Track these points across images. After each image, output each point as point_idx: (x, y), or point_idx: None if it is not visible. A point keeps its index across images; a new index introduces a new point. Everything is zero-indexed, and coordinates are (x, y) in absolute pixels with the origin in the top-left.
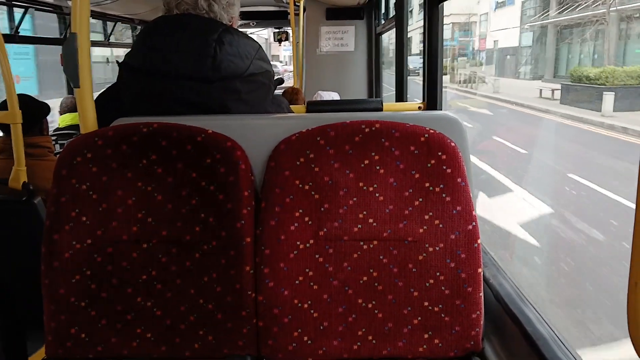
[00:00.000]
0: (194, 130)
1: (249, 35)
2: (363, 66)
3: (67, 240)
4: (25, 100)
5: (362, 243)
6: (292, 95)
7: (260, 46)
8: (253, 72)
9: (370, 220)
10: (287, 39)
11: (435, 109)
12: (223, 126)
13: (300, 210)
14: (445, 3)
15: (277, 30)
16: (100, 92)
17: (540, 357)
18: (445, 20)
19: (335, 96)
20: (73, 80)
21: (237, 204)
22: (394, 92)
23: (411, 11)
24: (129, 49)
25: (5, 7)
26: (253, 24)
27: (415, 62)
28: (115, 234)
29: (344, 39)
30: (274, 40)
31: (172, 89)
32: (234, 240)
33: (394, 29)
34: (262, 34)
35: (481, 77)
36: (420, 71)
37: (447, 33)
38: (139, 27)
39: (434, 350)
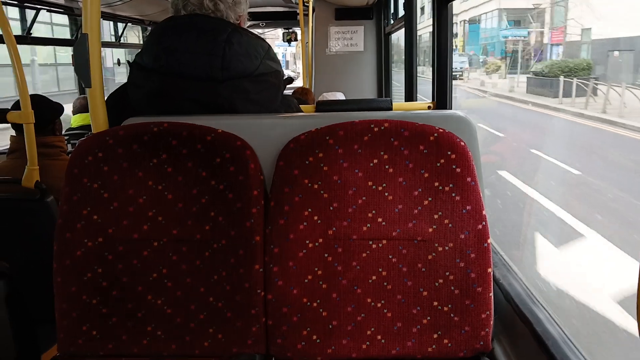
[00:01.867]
0: (204, 129)
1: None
2: (372, 66)
3: (78, 238)
4: (38, 101)
5: (371, 242)
6: (301, 95)
7: (269, 46)
8: (262, 72)
9: (380, 220)
10: (296, 39)
11: (445, 108)
12: (232, 126)
13: (310, 209)
14: None
15: (286, 30)
16: (112, 92)
17: (550, 358)
18: (488, 7)
19: (340, 96)
20: (84, 80)
21: (247, 203)
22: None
23: None
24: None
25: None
26: (262, 24)
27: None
28: (126, 233)
29: (353, 39)
30: (284, 41)
31: (182, 89)
32: (244, 239)
33: (404, 29)
34: (256, 31)
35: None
36: (464, 74)
37: (490, 22)
38: (149, 28)
39: (443, 351)
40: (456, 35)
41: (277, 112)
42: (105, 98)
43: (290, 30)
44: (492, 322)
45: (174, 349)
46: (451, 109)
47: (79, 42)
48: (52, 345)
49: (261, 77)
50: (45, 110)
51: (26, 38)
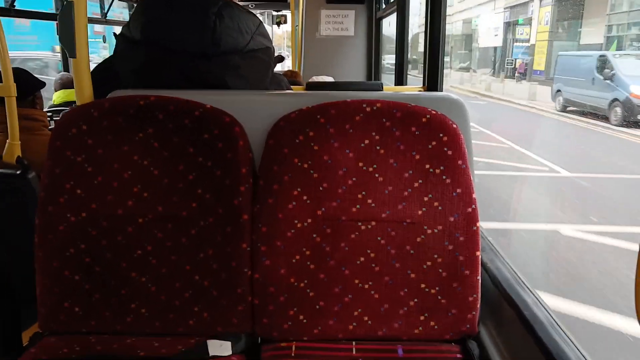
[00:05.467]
0: (192, 104)
1: None
2: (362, 51)
3: (61, 212)
4: (19, 73)
5: (360, 223)
6: (291, 77)
7: (261, 22)
8: (253, 47)
9: (369, 201)
10: (285, 22)
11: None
12: (222, 101)
13: (299, 189)
14: None
15: (277, 13)
16: (97, 63)
17: (537, 341)
18: None
19: (329, 80)
20: (69, 50)
21: (235, 180)
22: None
23: None
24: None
25: None
26: (252, 5)
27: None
28: (110, 208)
29: (344, 24)
30: (273, 23)
31: (171, 62)
32: (231, 217)
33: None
34: None
35: None
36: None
37: None
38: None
39: (430, 333)
40: (527, 22)
41: (266, 89)
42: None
43: (280, 13)
44: (479, 306)
45: (158, 326)
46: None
47: (63, 12)
48: (34, 323)
49: (251, 53)
50: (26, 81)
51: (10, 11)
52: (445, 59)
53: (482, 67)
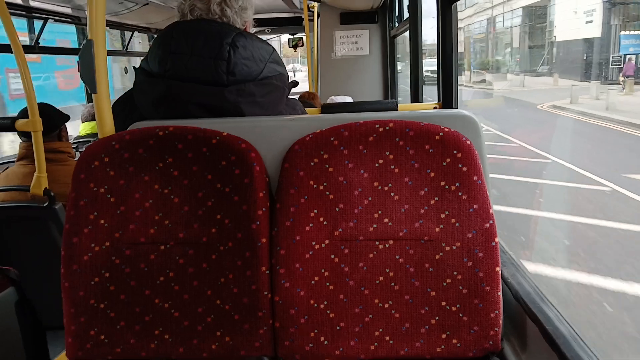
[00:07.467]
0: (209, 132)
1: None
2: (378, 69)
3: (86, 243)
4: (45, 108)
5: (377, 243)
6: (308, 98)
7: (274, 49)
8: (267, 75)
9: (386, 220)
10: (302, 45)
11: (451, 108)
12: (237, 128)
13: (315, 211)
14: None
15: (292, 36)
16: (118, 97)
17: (561, 357)
18: None
19: (348, 100)
20: (90, 86)
21: (253, 205)
22: None
23: None
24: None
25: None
26: (268, 30)
27: None
28: (133, 236)
29: (358, 43)
30: (290, 47)
31: (188, 93)
32: (250, 241)
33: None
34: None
35: None
36: None
37: None
38: (154, 36)
39: (452, 351)
40: None
41: (282, 114)
42: (112, 103)
43: (297, 37)
44: (501, 322)
45: (182, 352)
46: (457, 108)
47: (84, 49)
48: (62, 351)
49: (266, 80)
50: (52, 116)
51: (34, 48)
52: (498, 60)
53: (563, 70)
